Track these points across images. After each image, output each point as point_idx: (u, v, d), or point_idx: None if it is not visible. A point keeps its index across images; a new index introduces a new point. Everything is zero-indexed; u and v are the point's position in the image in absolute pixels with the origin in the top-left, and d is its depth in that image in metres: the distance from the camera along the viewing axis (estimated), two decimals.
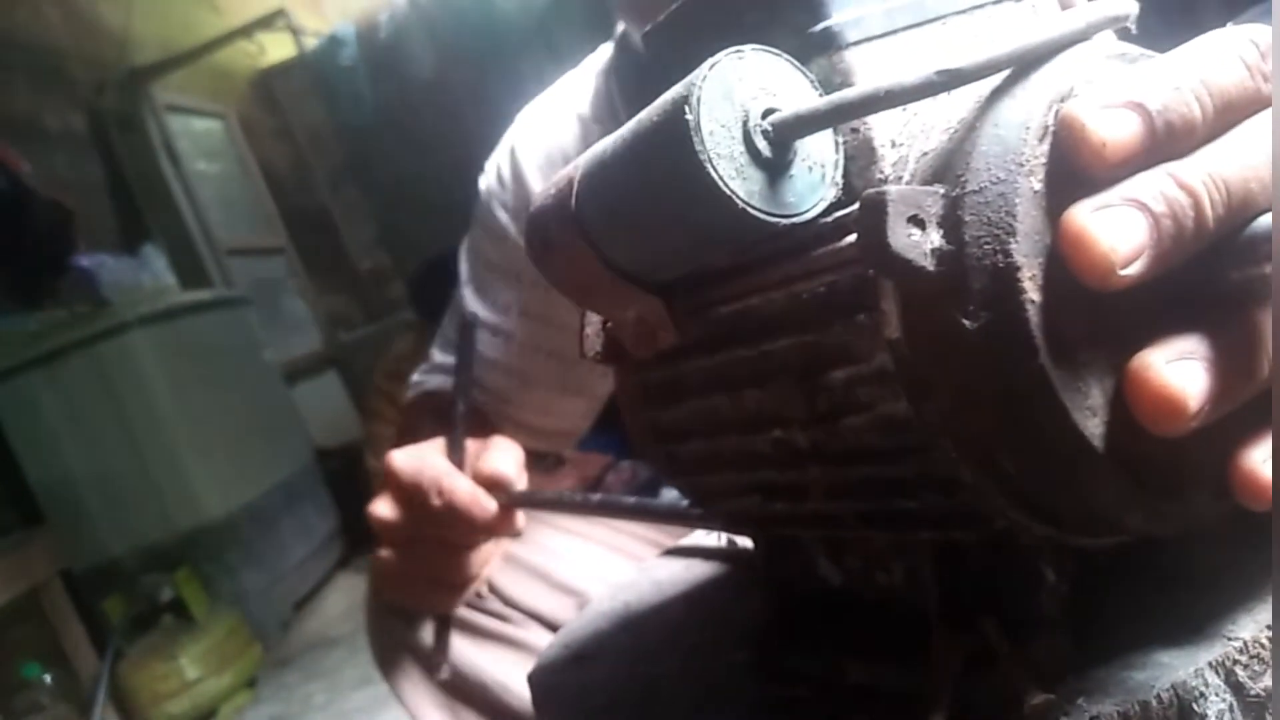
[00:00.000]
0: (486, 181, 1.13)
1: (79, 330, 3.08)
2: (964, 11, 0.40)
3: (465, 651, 0.99)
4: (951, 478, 0.35)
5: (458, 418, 0.81)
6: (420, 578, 0.78)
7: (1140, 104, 0.30)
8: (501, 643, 0.99)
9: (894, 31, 0.38)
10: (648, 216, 0.38)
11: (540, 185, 1.07)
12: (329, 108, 4.95)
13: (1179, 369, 0.30)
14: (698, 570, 0.58)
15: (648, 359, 0.45)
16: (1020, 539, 0.36)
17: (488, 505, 0.74)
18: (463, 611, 1.00)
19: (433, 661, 0.80)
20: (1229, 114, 0.32)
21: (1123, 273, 0.29)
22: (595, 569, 1.02)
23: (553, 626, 0.95)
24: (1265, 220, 0.30)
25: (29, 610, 2.70)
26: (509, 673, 0.93)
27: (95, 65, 4.08)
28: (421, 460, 0.78)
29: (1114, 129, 0.30)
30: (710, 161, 0.34)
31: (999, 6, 0.40)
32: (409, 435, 0.92)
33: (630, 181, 0.38)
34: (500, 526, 0.76)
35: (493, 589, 1.00)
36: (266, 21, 4.76)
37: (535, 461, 1.16)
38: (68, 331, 3.08)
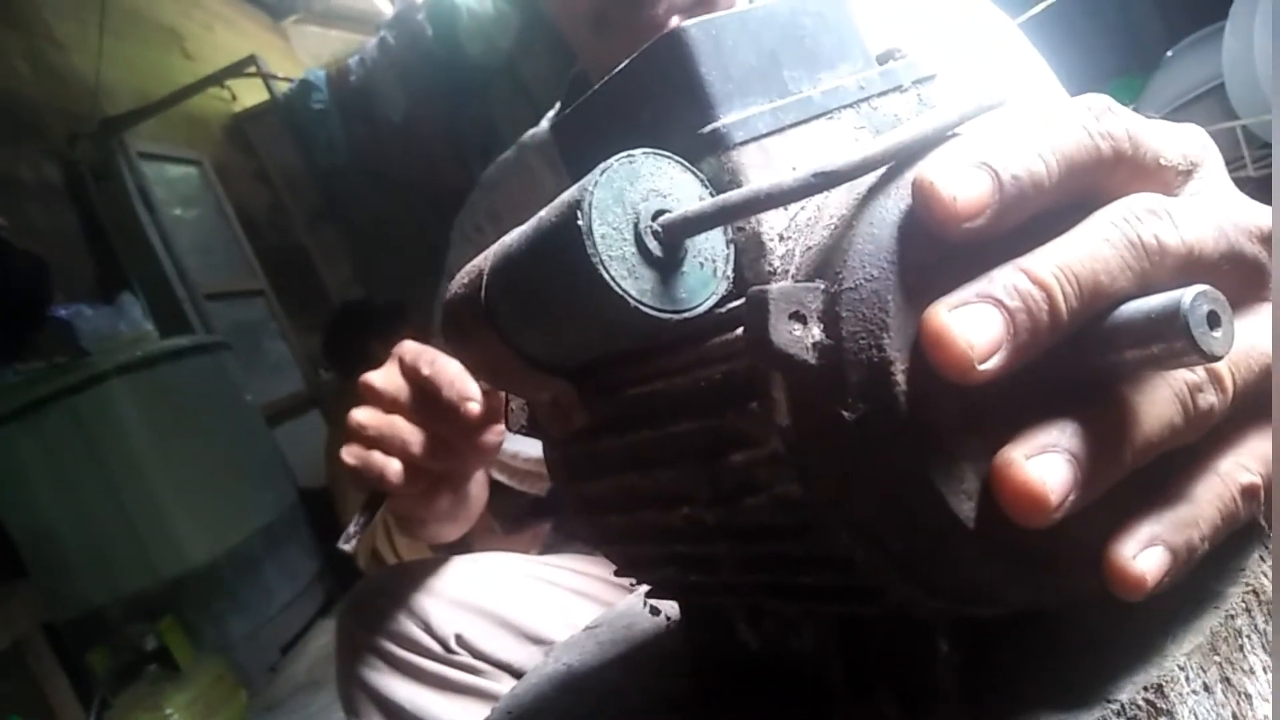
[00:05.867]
0: (458, 231, 1.18)
1: (58, 381, 3.08)
2: (850, 105, 0.41)
3: (436, 706, 1.00)
4: (845, 555, 0.36)
5: None
6: (387, 442, 0.79)
7: (986, 163, 0.32)
8: (472, 696, 1.00)
9: (781, 129, 0.40)
10: (549, 312, 0.40)
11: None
12: (303, 151, 4.97)
13: (1040, 464, 0.31)
14: (640, 630, 0.60)
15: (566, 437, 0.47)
16: (916, 612, 0.37)
17: (472, 387, 0.76)
18: (433, 666, 1.01)
19: (346, 534, 0.80)
20: (1075, 176, 0.33)
21: (982, 367, 0.30)
22: (562, 615, 1.03)
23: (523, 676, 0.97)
24: (1126, 310, 0.32)
25: (12, 664, 2.69)
26: None
27: (68, 116, 4.09)
28: (425, 347, 0.82)
29: (964, 186, 0.31)
30: (602, 263, 0.36)
31: (884, 98, 0.42)
32: None
33: (532, 280, 0.40)
34: (481, 421, 0.77)
35: (462, 642, 1.01)
36: (238, 68, 4.78)
37: (498, 516, 1.18)
38: (47, 383, 3.08)
